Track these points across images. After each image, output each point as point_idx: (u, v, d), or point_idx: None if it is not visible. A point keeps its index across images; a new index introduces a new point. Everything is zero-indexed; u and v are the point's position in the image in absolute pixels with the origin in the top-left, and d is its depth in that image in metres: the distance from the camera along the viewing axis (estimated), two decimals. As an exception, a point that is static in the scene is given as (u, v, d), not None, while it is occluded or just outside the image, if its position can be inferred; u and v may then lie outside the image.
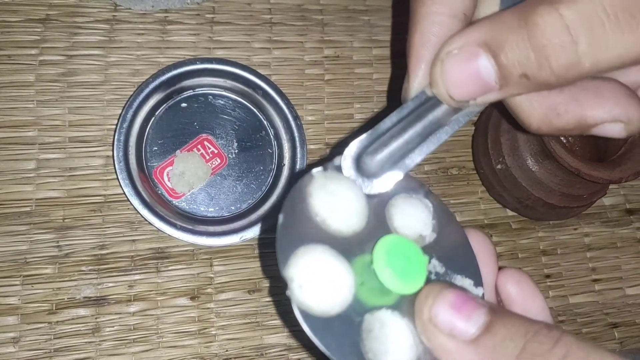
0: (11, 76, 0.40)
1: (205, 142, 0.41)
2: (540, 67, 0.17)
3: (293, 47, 0.46)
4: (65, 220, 0.38)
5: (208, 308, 0.39)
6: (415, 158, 0.21)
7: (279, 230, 0.19)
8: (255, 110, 0.43)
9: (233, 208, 0.41)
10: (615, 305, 0.46)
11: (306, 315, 0.18)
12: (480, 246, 0.24)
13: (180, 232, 0.38)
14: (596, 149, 0.44)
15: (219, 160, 0.42)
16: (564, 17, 0.16)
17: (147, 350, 0.37)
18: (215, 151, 0.42)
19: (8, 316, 0.36)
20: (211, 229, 0.40)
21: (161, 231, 0.38)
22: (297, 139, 0.42)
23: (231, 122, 0.42)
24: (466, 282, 0.22)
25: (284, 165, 0.42)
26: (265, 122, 0.43)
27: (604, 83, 0.20)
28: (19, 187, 0.38)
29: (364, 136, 0.21)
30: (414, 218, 0.22)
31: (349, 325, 0.19)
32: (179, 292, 0.39)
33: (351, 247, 0.20)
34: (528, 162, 0.41)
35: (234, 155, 0.42)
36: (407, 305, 0.20)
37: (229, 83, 0.42)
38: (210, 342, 0.38)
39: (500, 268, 0.24)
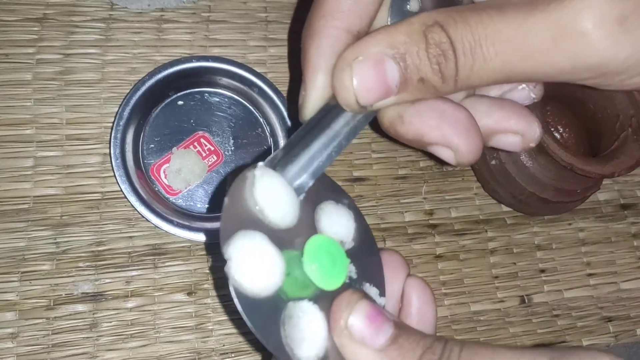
0: (9, 75, 0.40)
1: (202, 140, 0.42)
2: (434, 73, 0.20)
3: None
4: (63, 217, 0.39)
5: (205, 303, 0.39)
6: (323, 166, 0.23)
7: (223, 213, 0.20)
8: (251, 107, 0.43)
9: (229, 204, 0.41)
10: (609, 300, 0.46)
11: (239, 293, 0.19)
12: (394, 263, 0.26)
13: (177, 228, 0.39)
14: (590, 144, 0.44)
15: (215, 157, 0.42)
16: (451, 37, 0.20)
17: (144, 346, 0.37)
18: (212, 148, 0.42)
19: (6, 312, 0.36)
20: (208, 225, 0.40)
21: (158, 228, 0.38)
22: (292, 135, 0.42)
23: (227, 120, 0.43)
24: (373, 291, 0.24)
25: (280, 162, 0.43)
26: (261, 119, 0.43)
27: (451, 109, 0.22)
28: (17, 184, 0.39)
29: (278, 152, 0.23)
30: (338, 224, 0.24)
31: (274, 308, 0.20)
32: (176, 288, 0.39)
33: (282, 241, 0.22)
34: (522, 157, 0.41)
35: (230, 152, 0.42)
36: (325, 300, 0.22)
37: (225, 81, 0.43)
38: (207, 337, 0.39)
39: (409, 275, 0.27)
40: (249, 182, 0.21)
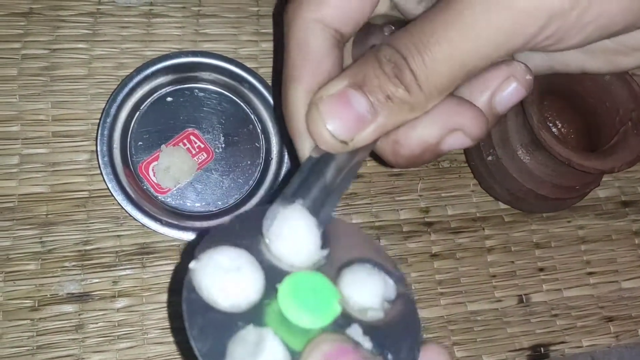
0: (-7, 71, 0.39)
1: (191, 137, 0.41)
2: (396, 86, 0.20)
3: (281, 39, 0.45)
4: (49, 216, 0.38)
5: (194, 304, 0.38)
6: (328, 212, 0.22)
7: (231, 220, 0.19)
8: (242, 103, 0.43)
9: (220, 203, 0.40)
10: (610, 299, 0.45)
11: (191, 293, 0.18)
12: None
13: (165, 227, 0.38)
14: (589, 138, 0.43)
15: (205, 155, 0.41)
16: (397, 48, 0.20)
17: (132, 347, 0.37)
18: (202, 145, 0.41)
19: (-10, 313, 0.35)
20: (198, 224, 0.39)
21: (146, 227, 0.37)
22: (285, 132, 0.41)
23: (217, 116, 0.42)
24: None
25: (272, 159, 0.42)
26: (252, 116, 0.42)
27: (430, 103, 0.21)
28: (2, 182, 0.38)
29: (274, 205, 0.21)
30: (366, 289, 0.21)
31: (227, 326, 0.18)
32: (165, 288, 0.38)
33: (280, 277, 0.19)
34: (519, 152, 0.40)
35: (220, 150, 0.41)
36: (297, 337, 0.18)
37: (215, 76, 0.42)
38: (197, 338, 0.38)
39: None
40: (269, 212, 0.20)
